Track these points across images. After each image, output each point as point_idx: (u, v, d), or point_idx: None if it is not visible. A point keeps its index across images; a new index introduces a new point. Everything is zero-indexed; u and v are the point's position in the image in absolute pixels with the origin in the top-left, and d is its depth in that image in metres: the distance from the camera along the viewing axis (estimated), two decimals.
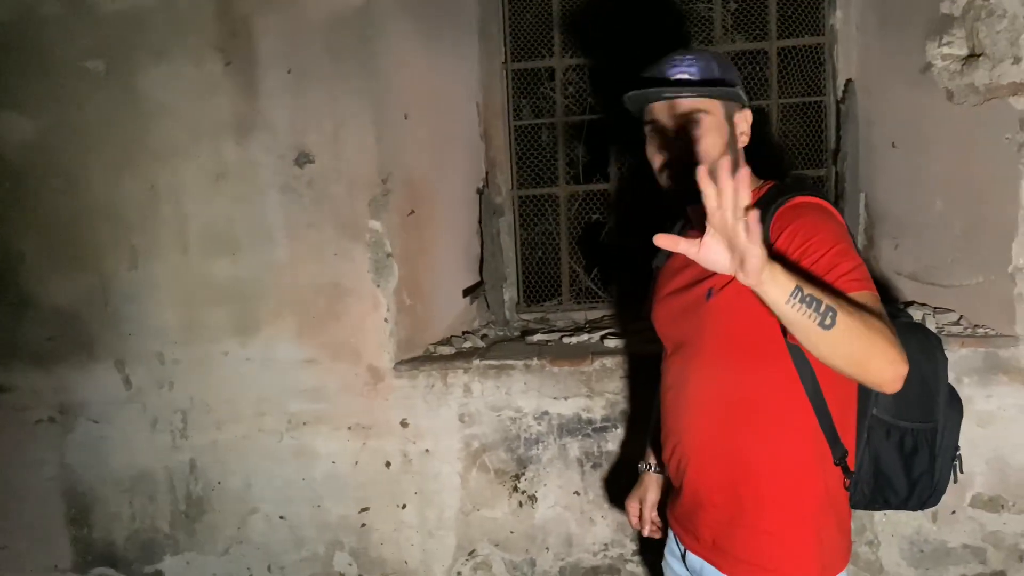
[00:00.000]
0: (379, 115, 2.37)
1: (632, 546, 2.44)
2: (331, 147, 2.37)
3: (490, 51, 2.80)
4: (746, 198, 1.09)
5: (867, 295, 1.27)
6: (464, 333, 2.68)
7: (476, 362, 2.43)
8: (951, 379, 2.19)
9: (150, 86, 2.42)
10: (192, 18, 2.39)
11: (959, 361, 2.26)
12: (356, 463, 2.50)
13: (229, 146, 2.41)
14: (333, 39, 2.33)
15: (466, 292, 2.71)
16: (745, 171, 1.08)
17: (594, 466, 2.42)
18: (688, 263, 1.55)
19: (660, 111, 1.51)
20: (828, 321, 1.15)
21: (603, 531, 2.44)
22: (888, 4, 2.52)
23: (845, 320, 1.15)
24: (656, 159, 1.53)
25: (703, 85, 1.48)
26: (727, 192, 1.08)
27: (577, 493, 2.44)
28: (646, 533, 1.90)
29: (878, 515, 2.33)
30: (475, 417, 2.44)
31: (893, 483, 1.52)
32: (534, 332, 2.68)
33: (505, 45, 2.82)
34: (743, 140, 1.53)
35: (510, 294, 2.89)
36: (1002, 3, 2.19)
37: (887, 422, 1.49)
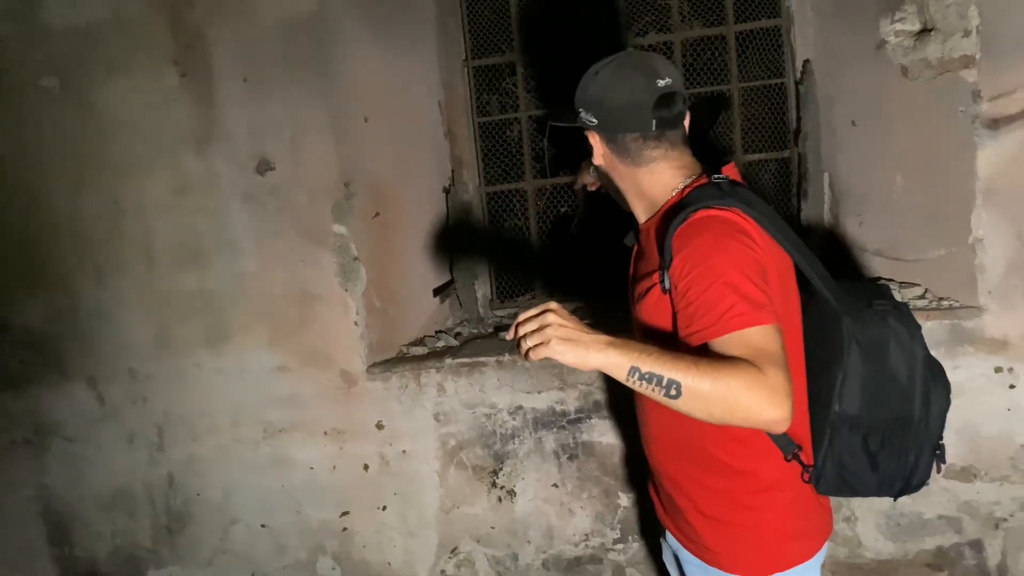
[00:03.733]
0: (338, 119, 2.37)
1: (613, 535, 2.46)
2: (291, 154, 2.37)
3: (450, 49, 2.80)
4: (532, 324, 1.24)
5: (747, 333, 1.22)
6: (437, 332, 2.69)
7: (449, 361, 2.44)
8: None
9: (106, 101, 2.42)
10: (145, 31, 2.38)
11: (926, 334, 2.23)
12: (334, 468, 2.50)
13: (189, 158, 2.41)
14: (287, 45, 2.32)
15: (437, 291, 2.72)
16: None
17: (571, 457, 2.43)
18: (640, 254, 1.58)
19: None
20: (673, 392, 1.17)
21: (583, 522, 2.45)
22: None
23: (692, 388, 1.16)
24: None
25: (572, 111, 1.49)
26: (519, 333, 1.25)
27: (556, 485, 2.45)
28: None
29: None
30: (450, 416, 2.45)
31: (859, 476, 1.49)
32: (507, 328, 2.68)
33: (465, 42, 2.82)
34: (598, 161, 1.51)
35: (483, 291, 2.89)
36: None
37: (850, 417, 1.45)
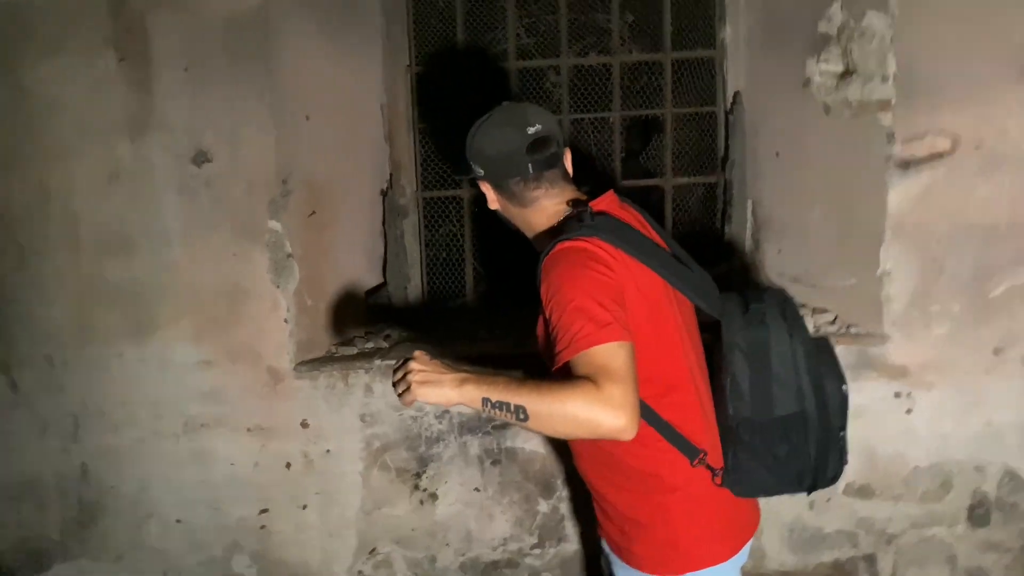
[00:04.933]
0: (279, 115, 2.36)
1: (531, 540, 2.51)
2: (229, 147, 2.35)
3: (395, 54, 2.83)
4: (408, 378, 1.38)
5: (591, 353, 1.33)
6: (367, 333, 2.70)
7: (378, 362, 2.46)
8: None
9: (39, 82, 2.35)
10: (84, 12, 2.33)
11: None
12: (256, 465, 2.49)
13: (123, 144, 2.37)
14: (231, 38, 2.31)
15: (369, 293, 2.73)
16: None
17: (494, 463, 2.47)
18: None
19: None
20: (522, 416, 1.32)
21: (502, 526, 2.50)
22: (772, 21, 2.66)
23: (536, 411, 1.31)
24: None
25: (466, 164, 1.66)
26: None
27: (477, 489, 2.49)
28: None
29: (761, 503, 2.45)
30: (376, 417, 2.46)
31: (762, 476, 1.56)
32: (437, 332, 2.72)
33: (410, 49, 2.84)
34: (493, 206, 1.68)
35: (415, 294, 2.92)
36: (872, 25, 2.34)
37: (744, 420, 1.54)
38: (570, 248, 1.46)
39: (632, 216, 1.63)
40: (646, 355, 1.42)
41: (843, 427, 1.59)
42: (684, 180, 2.91)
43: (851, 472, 2.45)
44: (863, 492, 2.46)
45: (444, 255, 2.98)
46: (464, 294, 2.96)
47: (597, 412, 1.28)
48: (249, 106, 2.33)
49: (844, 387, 1.59)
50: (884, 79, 2.34)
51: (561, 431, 1.33)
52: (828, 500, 2.46)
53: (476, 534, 2.51)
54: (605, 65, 2.83)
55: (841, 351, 2.38)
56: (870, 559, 2.48)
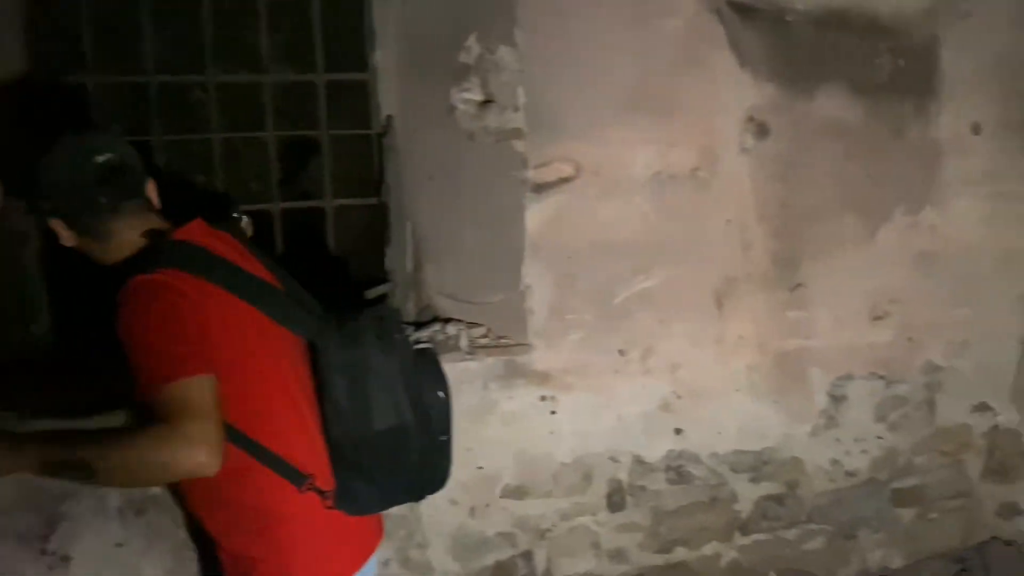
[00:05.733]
0: None
1: None
2: None
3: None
4: None
5: (156, 397, 1.31)
6: None
7: None
8: (478, 385, 2.51)
9: None
10: None
11: (487, 369, 2.57)
12: None
13: None
14: None
15: None
16: None
17: (138, 513, 2.25)
18: None
19: None
20: (87, 474, 1.29)
21: None
22: (419, 49, 2.76)
23: (103, 466, 1.28)
24: None
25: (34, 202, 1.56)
26: None
27: (120, 544, 2.25)
28: None
29: (425, 518, 2.53)
30: None
31: (366, 493, 1.61)
32: None
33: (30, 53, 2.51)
34: (67, 244, 1.56)
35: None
36: (503, 58, 2.54)
37: (346, 438, 1.57)
38: (145, 282, 1.41)
39: (225, 244, 1.59)
40: (240, 385, 1.40)
41: (445, 433, 1.68)
42: (345, 202, 2.90)
43: (507, 475, 2.61)
44: (518, 493, 2.63)
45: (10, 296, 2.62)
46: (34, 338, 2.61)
47: (172, 452, 1.23)
48: None
49: (441, 395, 1.67)
50: (516, 109, 2.55)
51: (140, 479, 1.27)
52: (487, 506, 2.59)
53: None
54: (255, 84, 2.74)
55: (493, 362, 2.58)
56: (527, 555, 2.66)
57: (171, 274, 1.42)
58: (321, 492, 1.54)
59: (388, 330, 1.60)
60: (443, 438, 1.67)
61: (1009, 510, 3.27)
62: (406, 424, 1.57)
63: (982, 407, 3.20)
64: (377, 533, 1.72)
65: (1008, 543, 3.21)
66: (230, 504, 1.51)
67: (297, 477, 1.51)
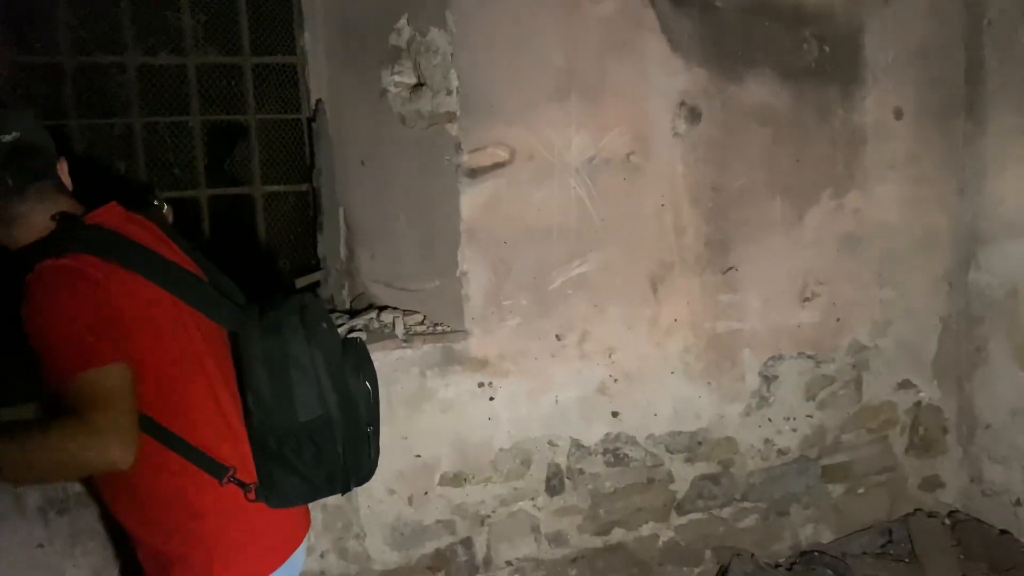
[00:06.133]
0: None
1: None
2: None
3: None
4: None
5: (67, 387, 1.27)
6: None
7: None
8: (415, 372, 2.47)
9: None
10: None
11: (424, 356, 2.54)
12: None
13: None
14: None
15: None
16: None
17: (60, 512, 2.16)
18: None
19: None
20: None
21: None
22: (349, 31, 2.71)
23: (7, 460, 1.22)
24: None
25: None
26: None
27: (41, 545, 2.16)
28: None
29: (363, 509, 2.49)
30: None
31: (288, 484, 1.56)
32: None
33: None
34: None
35: None
36: (435, 41, 2.50)
37: (269, 428, 1.52)
38: (54, 267, 1.34)
39: (143, 229, 1.53)
40: (155, 375, 1.35)
41: (372, 423, 1.65)
42: (274, 188, 2.84)
43: (445, 463, 2.59)
44: (457, 480, 2.61)
45: None
46: None
47: (80, 445, 1.19)
48: None
49: (368, 384, 1.64)
50: (449, 92, 2.51)
51: (49, 475, 1.23)
52: (425, 494, 2.57)
53: None
54: (180, 66, 2.64)
55: (429, 349, 2.55)
56: (467, 542, 2.65)
57: (82, 259, 1.36)
58: (243, 485, 1.50)
59: (312, 319, 1.56)
60: (370, 428, 1.63)
61: (931, 483, 3.40)
62: (330, 415, 1.53)
63: (905, 384, 3.31)
64: (303, 524, 1.68)
65: (931, 515, 3.34)
66: (147, 499, 1.45)
67: (217, 469, 1.47)
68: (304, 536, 1.65)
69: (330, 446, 1.54)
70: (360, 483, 1.66)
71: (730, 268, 2.89)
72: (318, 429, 1.53)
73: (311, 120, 2.76)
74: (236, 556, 1.50)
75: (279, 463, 1.52)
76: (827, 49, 2.97)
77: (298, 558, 1.61)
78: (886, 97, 3.09)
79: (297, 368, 1.50)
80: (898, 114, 3.11)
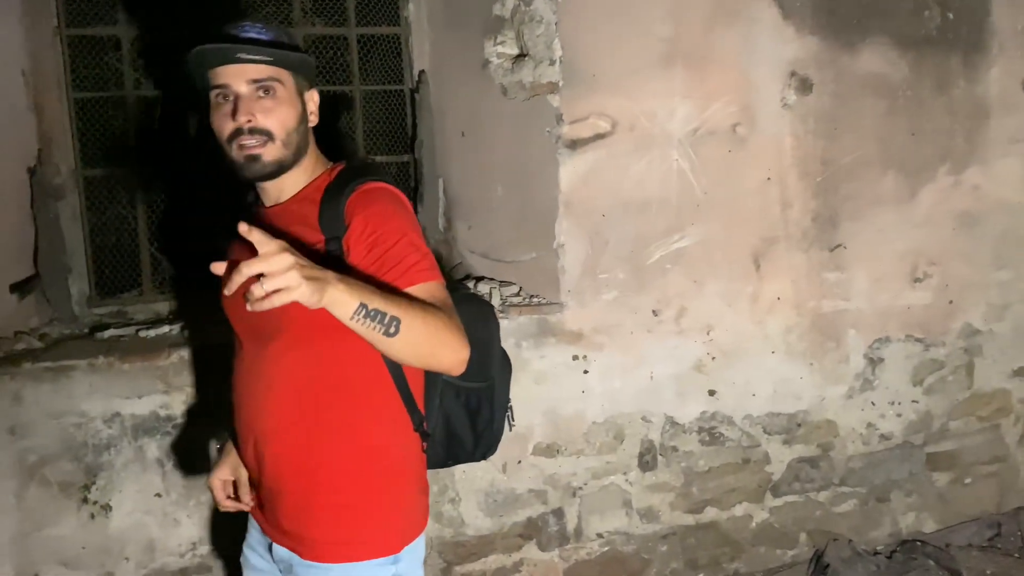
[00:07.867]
0: None
1: (225, 539, 2.36)
2: None
3: (38, 12, 2.47)
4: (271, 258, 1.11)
5: (433, 285, 1.37)
6: (17, 334, 2.35)
7: (28, 366, 2.15)
8: (511, 344, 2.49)
9: None
10: None
11: (519, 328, 2.55)
12: None
13: None
14: None
15: (15, 287, 2.37)
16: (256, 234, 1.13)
17: (176, 464, 2.29)
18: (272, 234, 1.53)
19: (230, 75, 1.40)
20: (392, 330, 1.23)
21: (190, 530, 2.32)
22: (452, 1, 2.71)
23: (409, 325, 1.25)
24: (224, 128, 1.43)
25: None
26: (255, 267, 1.11)
27: (159, 495, 2.29)
28: (230, 507, 1.70)
29: (458, 473, 2.53)
30: (30, 427, 2.15)
31: (462, 440, 1.64)
32: (107, 327, 2.44)
33: (58, 7, 2.50)
34: (312, 120, 1.51)
35: (79, 287, 2.59)
36: (539, 10, 2.47)
37: (456, 384, 1.59)
38: (383, 188, 1.45)
39: None
40: None
41: (508, 399, 1.74)
42: (378, 158, 2.88)
43: (538, 433, 2.60)
44: (549, 451, 2.63)
45: (114, 240, 2.68)
46: (140, 282, 2.69)
47: (454, 339, 1.30)
48: None
49: (511, 365, 1.76)
50: (552, 63, 2.49)
51: (422, 353, 1.30)
52: (519, 463, 2.59)
53: (160, 543, 2.30)
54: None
55: (524, 321, 2.56)
56: (558, 512, 2.66)
57: (395, 187, 1.48)
58: (425, 434, 1.55)
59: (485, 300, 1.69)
60: (510, 405, 1.73)
61: None
62: (495, 383, 1.66)
63: (1021, 372, 3.14)
64: None
65: None
66: (352, 441, 1.46)
67: (416, 415, 1.52)
68: None
69: (488, 414, 1.65)
70: (491, 454, 1.73)
71: (838, 245, 2.78)
72: (485, 396, 1.63)
73: (414, 91, 2.79)
74: (412, 503, 1.54)
75: (451, 415, 1.60)
76: (950, 16, 2.81)
77: None
78: (1013, 66, 2.91)
79: (486, 335, 1.61)
80: None
